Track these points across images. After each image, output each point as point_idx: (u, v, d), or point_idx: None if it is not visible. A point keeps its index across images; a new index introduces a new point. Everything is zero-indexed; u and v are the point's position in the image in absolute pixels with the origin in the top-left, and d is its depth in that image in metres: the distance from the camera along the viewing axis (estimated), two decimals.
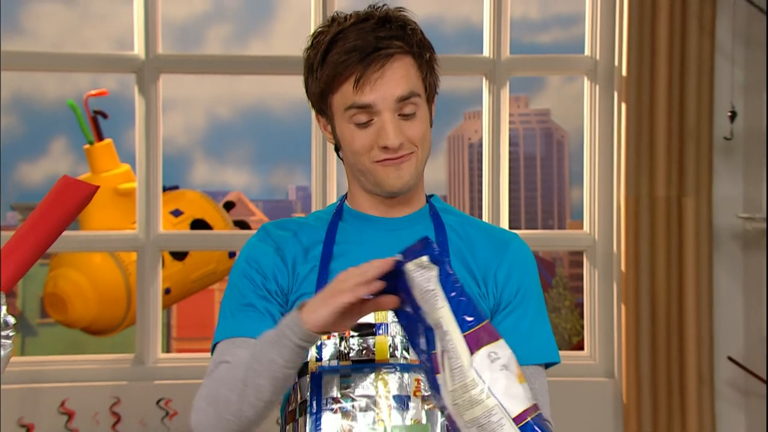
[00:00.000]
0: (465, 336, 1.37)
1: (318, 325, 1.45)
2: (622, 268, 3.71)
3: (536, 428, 1.35)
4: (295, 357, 1.49)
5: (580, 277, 4.08)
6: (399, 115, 1.65)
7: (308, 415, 1.59)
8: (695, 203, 3.68)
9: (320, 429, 1.58)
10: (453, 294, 1.39)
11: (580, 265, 4.04)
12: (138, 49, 3.73)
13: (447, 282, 1.39)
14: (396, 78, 1.65)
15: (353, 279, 1.44)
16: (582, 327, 4.16)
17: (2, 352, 1.43)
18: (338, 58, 1.65)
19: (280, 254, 1.69)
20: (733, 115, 3.57)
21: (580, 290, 4.11)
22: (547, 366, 1.71)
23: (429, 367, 1.41)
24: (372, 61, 1.63)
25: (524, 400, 1.36)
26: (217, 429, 1.58)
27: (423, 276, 1.40)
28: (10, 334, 1.45)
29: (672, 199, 3.70)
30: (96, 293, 4.46)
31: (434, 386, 1.40)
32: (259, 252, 1.70)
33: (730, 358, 3.67)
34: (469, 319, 1.38)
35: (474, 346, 1.37)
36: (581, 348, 3.93)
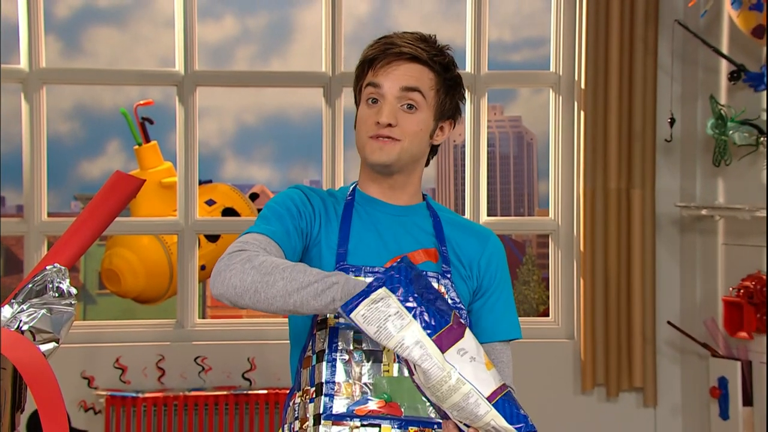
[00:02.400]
0: (434, 340, 1.37)
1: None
2: (581, 248, 3.71)
3: (506, 403, 1.37)
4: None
5: (546, 256, 4.08)
6: (401, 106, 1.64)
7: (325, 362, 1.59)
8: (641, 194, 3.68)
9: (335, 374, 1.57)
10: (416, 310, 1.39)
11: (546, 245, 4.04)
12: (178, 66, 3.72)
13: (407, 302, 1.38)
14: (408, 73, 1.65)
15: None
16: (547, 297, 4.16)
17: (66, 318, 1.43)
18: (373, 49, 1.68)
19: (311, 205, 1.66)
20: (672, 121, 3.56)
21: (546, 267, 4.11)
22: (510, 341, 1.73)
23: (408, 370, 1.42)
24: (394, 54, 1.65)
25: (493, 382, 1.38)
26: (249, 291, 1.45)
27: (379, 309, 1.37)
28: (72, 302, 1.45)
29: (622, 190, 3.69)
30: (144, 269, 4.45)
31: (416, 384, 1.41)
32: (297, 196, 1.66)
33: (669, 322, 3.67)
34: (435, 324, 1.37)
35: (444, 346, 1.37)
36: (547, 315, 3.94)
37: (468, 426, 1.40)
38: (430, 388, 1.38)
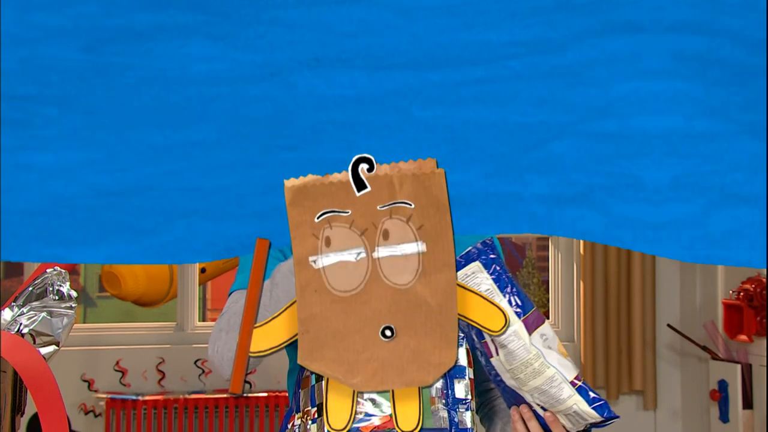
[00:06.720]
0: (522, 321, 1.38)
1: None
2: (581, 251, 3.71)
3: (587, 389, 1.39)
4: None
5: (546, 259, 4.08)
6: None
7: (323, 381, 1.57)
8: None
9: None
10: (507, 289, 1.40)
11: (546, 248, 4.04)
12: None
13: (500, 280, 1.39)
14: None
15: None
16: (548, 300, 4.16)
17: (66, 321, 1.43)
18: None
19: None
20: None
21: (546, 270, 4.11)
22: None
23: (483, 353, 1.42)
24: None
25: (572, 369, 1.39)
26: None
27: (474, 281, 1.39)
28: (73, 305, 1.45)
29: None
30: (144, 272, 4.44)
31: (490, 368, 1.42)
32: None
33: (669, 325, 3.67)
34: (522, 306, 1.39)
35: (530, 328, 1.39)
36: (547, 317, 3.93)
37: (545, 410, 1.40)
38: (512, 369, 1.39)
